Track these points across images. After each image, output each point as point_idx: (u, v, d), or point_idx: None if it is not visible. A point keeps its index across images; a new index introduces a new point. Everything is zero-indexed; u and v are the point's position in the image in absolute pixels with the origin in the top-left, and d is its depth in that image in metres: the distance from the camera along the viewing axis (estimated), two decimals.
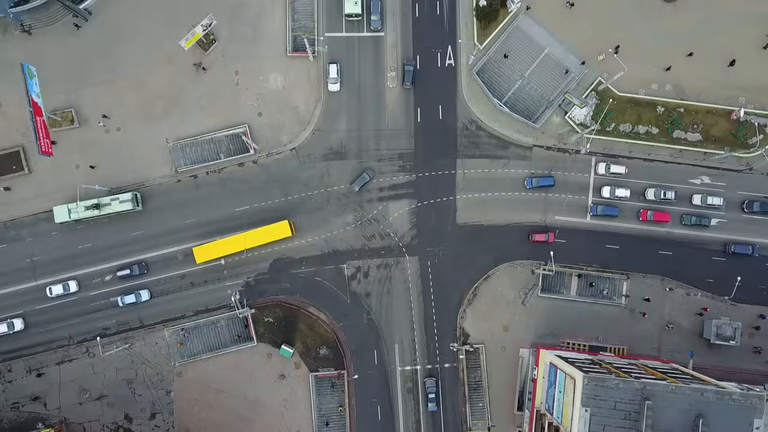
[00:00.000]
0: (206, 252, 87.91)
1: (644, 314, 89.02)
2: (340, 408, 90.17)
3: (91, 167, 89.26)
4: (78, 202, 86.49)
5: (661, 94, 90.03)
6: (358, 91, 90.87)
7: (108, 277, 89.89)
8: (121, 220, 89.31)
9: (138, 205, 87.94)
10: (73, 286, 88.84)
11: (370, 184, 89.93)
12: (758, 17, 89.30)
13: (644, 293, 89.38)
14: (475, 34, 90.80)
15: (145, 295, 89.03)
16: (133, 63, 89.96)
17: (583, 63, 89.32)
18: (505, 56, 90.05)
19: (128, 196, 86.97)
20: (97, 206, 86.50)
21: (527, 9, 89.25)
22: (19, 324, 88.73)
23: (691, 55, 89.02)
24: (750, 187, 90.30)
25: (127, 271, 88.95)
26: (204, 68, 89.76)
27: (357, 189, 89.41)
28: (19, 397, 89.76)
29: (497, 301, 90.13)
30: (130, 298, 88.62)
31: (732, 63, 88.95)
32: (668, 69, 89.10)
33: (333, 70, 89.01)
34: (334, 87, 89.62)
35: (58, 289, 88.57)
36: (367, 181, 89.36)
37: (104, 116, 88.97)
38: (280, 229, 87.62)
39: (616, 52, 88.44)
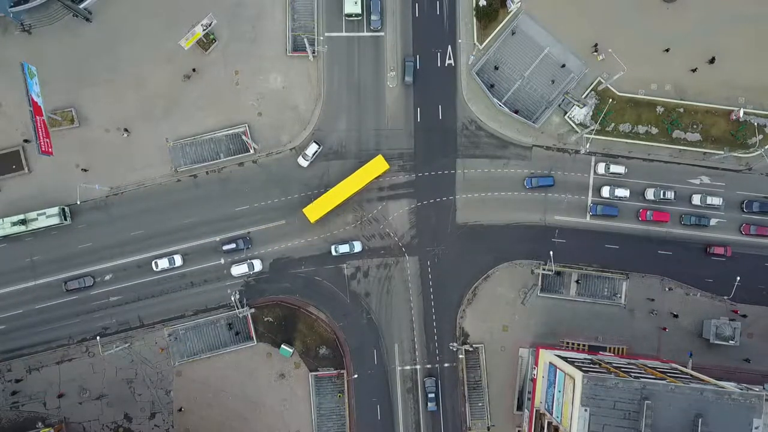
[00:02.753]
0: (316, 209, 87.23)
1: (665, 328, 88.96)
2: (339, 395, 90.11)
3: (84, 170, 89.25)
4: (3, 219, 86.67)
5: (660, 94, 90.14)
6: (358, 91, 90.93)
7: (108, 276, 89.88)
8: (120, 220, 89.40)
9: (66, 219, 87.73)
10: (178, 260, 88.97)
11: (370, 183, 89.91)
12: (758, 17, 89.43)
13: (669, 305, 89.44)
14: (474, 33, 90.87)
15: (357, 246, 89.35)
16: (133, 63, 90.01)
17: (563, 66, 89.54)
18: (496, 68, 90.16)
19: (55, 210, 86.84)
20: (23, 222, 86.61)
21: (512, 34, 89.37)
22: (179, 260, 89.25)
23: (667, 50, 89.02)
24: (749, 187, 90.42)
25: (233, 245, 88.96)
26: (194, 69, 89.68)
27: (410, 79, 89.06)
28: (19, 396, 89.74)
29: (497, 300, 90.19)
30: (345, 248, 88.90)
31: (712, 60, 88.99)
32: (694, 71, 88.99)
33: (311, 149, 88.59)
34: (303, 162, 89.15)
35: (164, 263, 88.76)
36: (414, 66, 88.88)
37: (126, 129, 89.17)
38: (378, 165, 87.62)
39: (595, 50, 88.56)
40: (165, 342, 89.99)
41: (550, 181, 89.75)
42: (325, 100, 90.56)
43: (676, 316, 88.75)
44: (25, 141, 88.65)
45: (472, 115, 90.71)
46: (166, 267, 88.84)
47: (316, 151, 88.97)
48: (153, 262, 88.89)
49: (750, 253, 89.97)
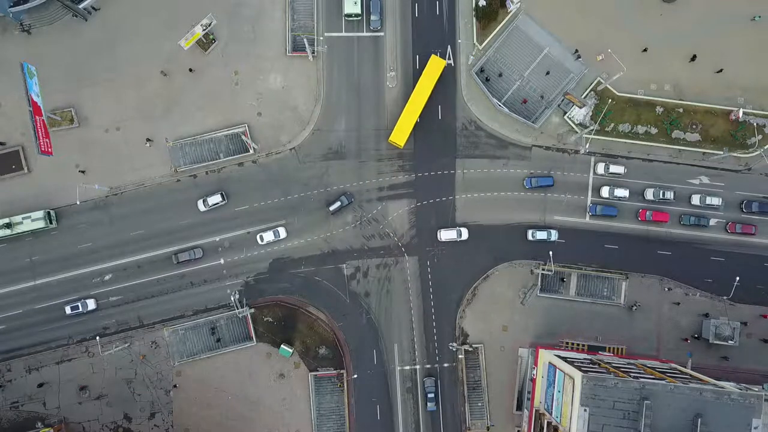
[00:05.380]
0: (401, 132, 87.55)
1: (686, 339, 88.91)
2: (339, 384, 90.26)
3: (82, 172, 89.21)
4: None
5: (660, 94, 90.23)
6: (358, 91, 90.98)
7: (108, 276, 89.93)
8: (120, 220, 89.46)
9: (52, 223, 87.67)
10: (282, 232, 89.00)
11: (368, 184, 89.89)
12: (757, 18, 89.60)
13: (695, 327, 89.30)
14: (474, 34, 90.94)
15: (554, 234, 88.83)
16: (133, 62, 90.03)
17: (547, 73, 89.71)
18: (487, 79, 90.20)
19: (40, 214, 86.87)
20: (8, 225, 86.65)
21: (481, 71, 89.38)
22: (283, 232, 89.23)
23: (645, 50, 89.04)
24: (749, 188, 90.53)
25: (338, 203, 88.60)
26: (191, 69, 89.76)
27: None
28: (19, 396, 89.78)
29: (496, 300, 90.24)
30: (542, 234, 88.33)
31: (693, 58, 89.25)
32: (719, 71, 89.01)
33: (214, 199, 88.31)
34: (201, 206, 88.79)
35: (269, 236, 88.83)
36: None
37: (148, 139, 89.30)
38: (436, 65, 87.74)
39: (578, 57, 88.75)
40: (146, 349, 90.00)
41: (549, 181, 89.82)
42: (324, 100, 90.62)
43: (697, 337, 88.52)
44: (0, 143, 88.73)
45: (471, 115, 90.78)
46: (271, 240, 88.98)
47: (217, 203, 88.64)
48: (258, 236, 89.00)
49: (749, 253, 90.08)
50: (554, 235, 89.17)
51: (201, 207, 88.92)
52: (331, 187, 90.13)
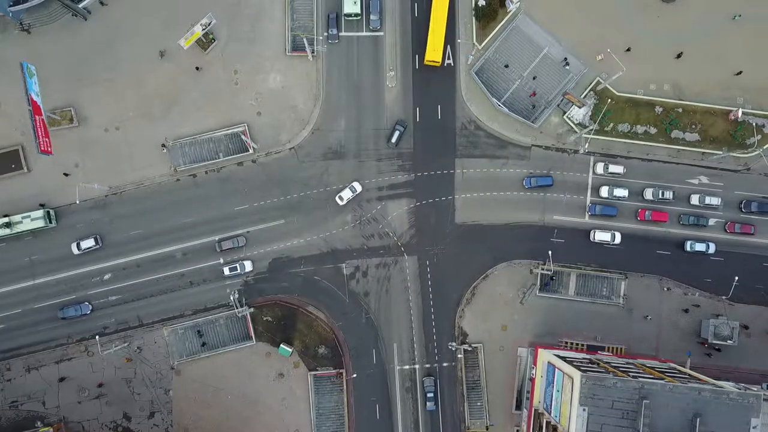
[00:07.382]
0: (434, 50, 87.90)
1: (704, 343, 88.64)
2: (338, 380, 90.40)
3: (66, 174, 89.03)
4: None
5: (659, 94, 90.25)
6: (357, 91, 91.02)
7: (107, 276, 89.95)
8: (119, 220, 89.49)
9: (51, 222, 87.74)
10: (358, 187, 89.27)
11: (369, 183, 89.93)
12: (757, 18, 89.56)
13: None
14: (474, 33, 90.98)
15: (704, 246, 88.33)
16: (133, 62, 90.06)
17: (534, 78, 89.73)
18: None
19: (40, 213, 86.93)
20: (8, 225, 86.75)
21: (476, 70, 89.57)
22: (358, 187, 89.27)
23: (629, 50, 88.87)
24: (748, 187, 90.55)
25: (397, 132, 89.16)
26: (197, 68, 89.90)
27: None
28: (18, 395, 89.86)
29: (496, 300, 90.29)
30: (701, 246, 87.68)
31: (679, 56, 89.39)
32: (739, 73, 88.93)
33: (87, 243, 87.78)
34: (75, 250, 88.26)
35: (347, 194, 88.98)
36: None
37: (163, 144, 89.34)
38: None
39: (567, 64, 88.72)
40: (130, 353, 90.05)
41: (549, 180, 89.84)
42: (324, 99, 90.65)
43: (718, 349, 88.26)
44: None
45: (471, 115, 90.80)
46: (350, 197, 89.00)
47: (90, 248, 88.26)
48: (337, 197, 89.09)
49: (748, 253, 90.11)
50: (712, 248, 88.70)
51: (75, 250, 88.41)
52: (330, 186, 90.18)
